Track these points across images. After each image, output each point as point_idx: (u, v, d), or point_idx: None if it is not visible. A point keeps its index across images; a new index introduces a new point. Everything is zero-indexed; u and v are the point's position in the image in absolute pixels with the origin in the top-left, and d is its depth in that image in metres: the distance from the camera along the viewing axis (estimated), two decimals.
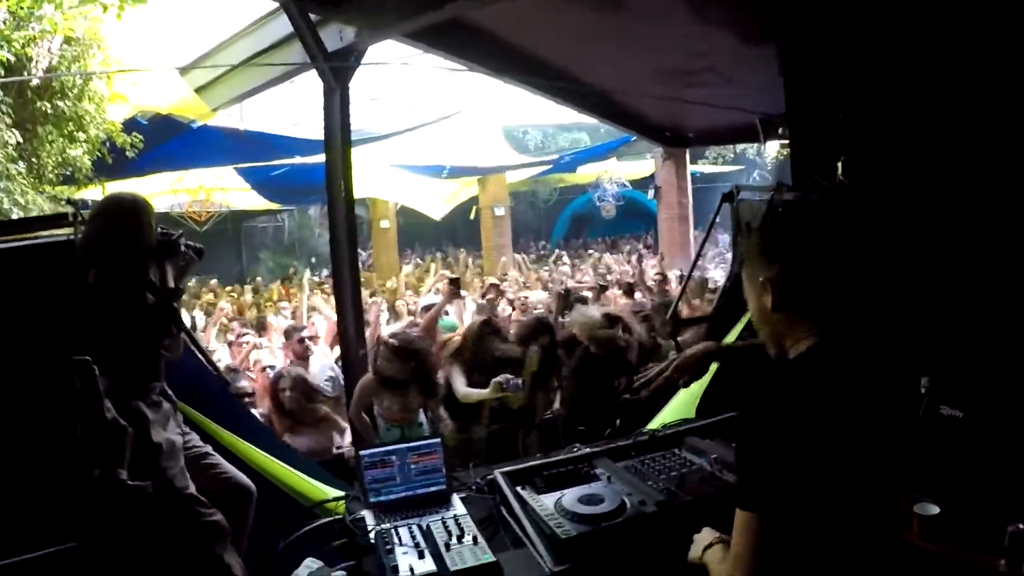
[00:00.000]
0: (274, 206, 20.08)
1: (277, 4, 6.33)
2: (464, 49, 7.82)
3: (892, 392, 1.95)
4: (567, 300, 7.82)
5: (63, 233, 3.57)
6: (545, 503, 2.85)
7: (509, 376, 5.24)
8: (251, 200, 15.66)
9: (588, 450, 3.45)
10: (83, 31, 6.65)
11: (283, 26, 6.38)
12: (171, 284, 3.36)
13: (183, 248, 3.44)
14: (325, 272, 20.49)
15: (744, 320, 4.40)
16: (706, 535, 2.11)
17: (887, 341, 2.11)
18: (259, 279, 17.93)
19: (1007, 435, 3.08)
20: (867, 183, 4.63)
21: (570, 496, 2.85)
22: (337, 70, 6.05)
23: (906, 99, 4.84)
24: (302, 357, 6.41)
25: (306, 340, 6.59)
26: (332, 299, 8.35)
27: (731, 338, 4.39)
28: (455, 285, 7.39)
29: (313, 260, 24.73)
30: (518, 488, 3.00)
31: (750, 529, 1.80)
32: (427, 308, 7.79)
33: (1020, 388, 3.19)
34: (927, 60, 4.70)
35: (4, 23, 5.98)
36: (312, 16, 6.05)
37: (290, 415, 5.50)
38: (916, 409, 3.18)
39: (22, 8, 5.98)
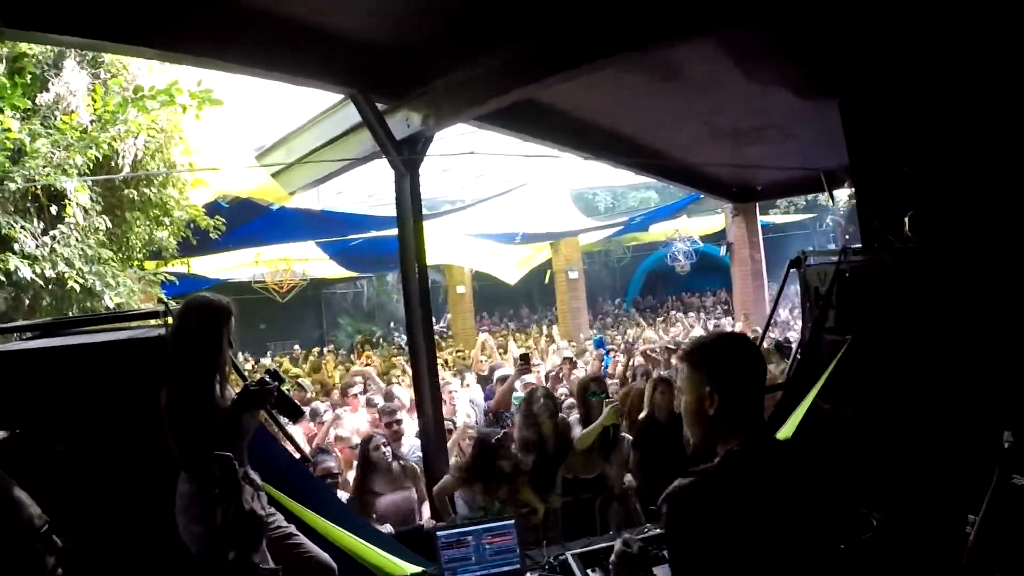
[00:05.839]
0: (352, 274, 20.55)
1: (344, 96, 6.61)
2: (528, 125, 7.97)
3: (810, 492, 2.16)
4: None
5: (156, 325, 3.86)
6: None
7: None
8: (330, 269, 16.07)
9: (659, 531, 3.51)
10: (164, 123, 7.06)
11: (353, 113, 6.54)
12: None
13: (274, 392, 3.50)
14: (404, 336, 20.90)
15: (819, 386, 4.39)
16: None
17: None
18: (330, 348, 18.40)
19: None
20: (937, 237, 4.58)
21: None
22: (407, 159, 6.28)
23: (970, 147, 4.81)
24: (395, 439, 6.29)
25: (400, 422, 6.61)
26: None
27: (806, 405, 4.35)
28: (525, 361, 7.51)
29: (392, 324, 25.16)
30: (588, 571, 3.09)
31: None
32: (502, 379, 7.94)
33: None
34: (989, 108, 4.67)
35: (92, 125, 6.40)
36: (379, 105, 6.29)
37: (380, 472, 5.63)
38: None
39: (107, 113, 6.37)
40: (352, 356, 15.95)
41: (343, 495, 5.63)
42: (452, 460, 6.14)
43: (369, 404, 7.97)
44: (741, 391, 2.16)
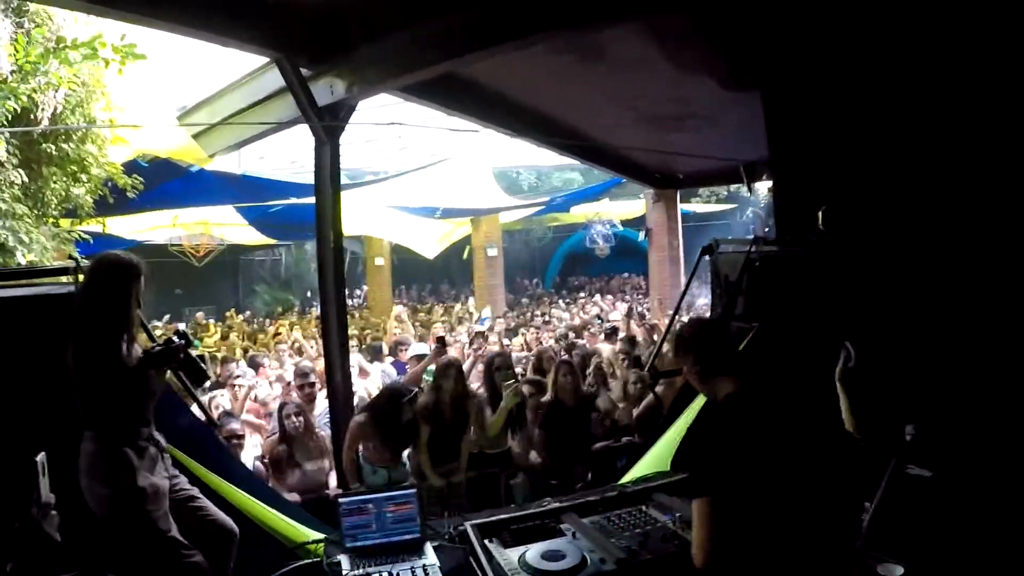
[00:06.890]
0: (271, 241, 20.23)
1: (269, 59, 6.50)
2: (453, 99, 7.97)
3: (803, 421, 2.77)
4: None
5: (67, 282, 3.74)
6: (510, 557, 2.99)
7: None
8: (249, 235, 15.77)
9: (556, 505, 3.58)
10: (87, 77, 6.85)
11: (278, 78, 6.44)
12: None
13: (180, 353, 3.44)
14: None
15: None
16: None
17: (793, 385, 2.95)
18: (247, 314, 17.99)
19: (974, 496, 3.16)
20: (849, 233, 4.72)
21: (533, 552, 2.99)
22: (327, 126, 6.23)
23: (889, 147, 4.95)
24: (309, 401, 6.48)
25: (314, 384, 6.75)
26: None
27: None
28: (441, 343, 7.56)
29: (309, 294, 24.83)
30: (486, 541, 3.14)
31: (704, 514, 2.44)
32: (419, 357, 7.94)
33: (989, 449, 3.29)
34: (910, 108, 4.81)
35: (11, 75, 6.16)
36: (304, 71, 6.20)
37: (292, 442, 5.69)
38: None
39: (29, 63, 6.15)
40: (267, 325, 15.68)
41: (246, 459, 5.63)
42: None
43: (279, 380, 7.98)
44: (718, 351, 2.86)
